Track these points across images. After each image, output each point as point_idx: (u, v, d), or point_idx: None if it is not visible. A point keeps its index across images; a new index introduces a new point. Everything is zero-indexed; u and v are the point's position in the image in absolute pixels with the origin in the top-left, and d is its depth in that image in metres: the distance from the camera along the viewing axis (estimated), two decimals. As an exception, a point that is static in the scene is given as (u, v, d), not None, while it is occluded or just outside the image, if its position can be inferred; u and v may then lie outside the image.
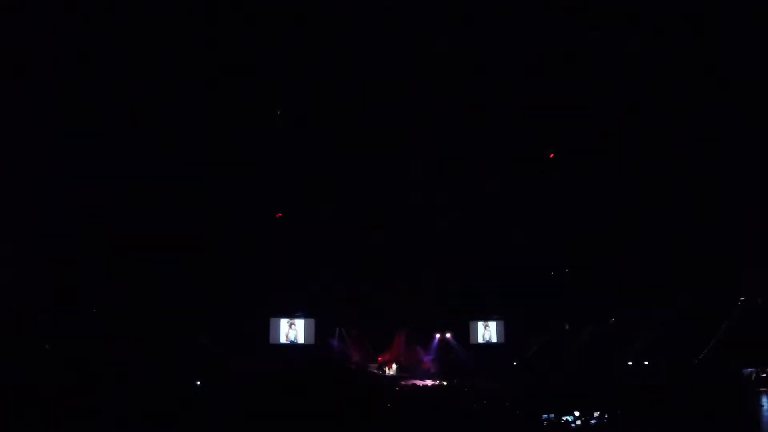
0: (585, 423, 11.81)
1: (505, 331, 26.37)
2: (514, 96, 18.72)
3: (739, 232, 19.61)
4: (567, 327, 25.02)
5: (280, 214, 22.19)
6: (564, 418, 11.84)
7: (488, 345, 26.34)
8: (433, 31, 16.90)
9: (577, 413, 11.95)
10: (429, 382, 21.95)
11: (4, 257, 17.68)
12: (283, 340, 24.92)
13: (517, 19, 16.27)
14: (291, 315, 25.03)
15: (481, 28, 16.59)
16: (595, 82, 18.06)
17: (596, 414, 11.94)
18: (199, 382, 18.03)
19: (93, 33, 15.88)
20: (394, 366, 25.05)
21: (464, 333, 26.39)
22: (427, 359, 25.70)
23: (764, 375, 18.71)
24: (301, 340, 25.04)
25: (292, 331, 25.10)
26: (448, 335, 26.20)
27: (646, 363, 22.12)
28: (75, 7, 15.13)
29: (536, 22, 16.28)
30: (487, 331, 26.48)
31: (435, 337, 26.14)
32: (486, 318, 26.44)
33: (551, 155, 20.87)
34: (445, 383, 21.02)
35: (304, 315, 25.13)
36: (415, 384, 21.63)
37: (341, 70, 18.02)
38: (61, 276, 19.31)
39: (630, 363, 22.40)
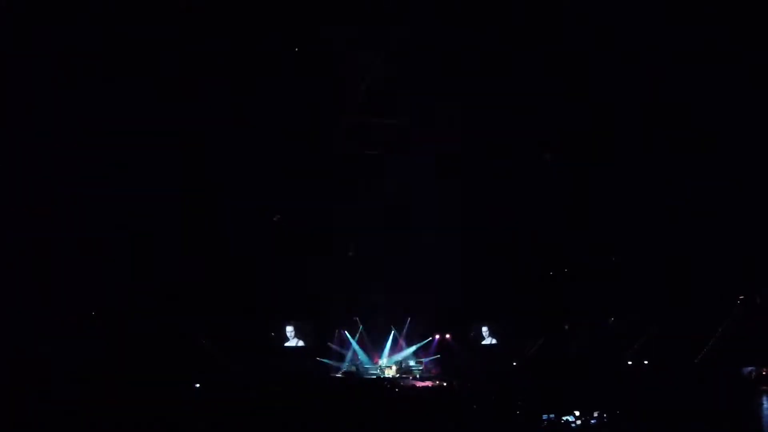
0: (585, 423, 11.80)
1: (505, 332, 26.32)
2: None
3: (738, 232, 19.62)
4: (566, 327, 25.01)
5: (278, 216, 22.15)
6: (564, 418, 11.83)
7: (488, 345, 26.31)
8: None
9: (577, 413, 11.94)
10: (429, 384, 21.89)
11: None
12: (283, 342, 24.85)
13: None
14: (291, 317, 24.95)
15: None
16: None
17: (596, 414, 11.94)
18: (198, 385, 18.05)
19: None
20: (393, 368, 24.97)
21: (464, 334, 26.32)
22: (426, 361, 25.57)
23: (764, 374, 18.72)
24: (301, 342, 24.97)
25: (293, 333, 25.02)
26: (447, 336, 26.07)
27: (646, 362, 22.13)
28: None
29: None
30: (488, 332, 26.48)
31: (434, 339, 25.97)
32: (486, 319, 26.41)
33: (550, 158, 20.87)
34: (444, 384, 21.00)
35: (304, 317, 25.05)
36: (414, 385, 21.60)
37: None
38: (60, 275, 19.19)
39: (630, 363, 22.40)
